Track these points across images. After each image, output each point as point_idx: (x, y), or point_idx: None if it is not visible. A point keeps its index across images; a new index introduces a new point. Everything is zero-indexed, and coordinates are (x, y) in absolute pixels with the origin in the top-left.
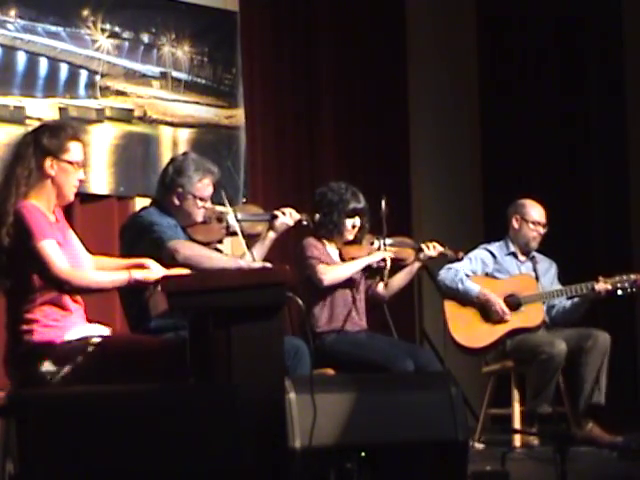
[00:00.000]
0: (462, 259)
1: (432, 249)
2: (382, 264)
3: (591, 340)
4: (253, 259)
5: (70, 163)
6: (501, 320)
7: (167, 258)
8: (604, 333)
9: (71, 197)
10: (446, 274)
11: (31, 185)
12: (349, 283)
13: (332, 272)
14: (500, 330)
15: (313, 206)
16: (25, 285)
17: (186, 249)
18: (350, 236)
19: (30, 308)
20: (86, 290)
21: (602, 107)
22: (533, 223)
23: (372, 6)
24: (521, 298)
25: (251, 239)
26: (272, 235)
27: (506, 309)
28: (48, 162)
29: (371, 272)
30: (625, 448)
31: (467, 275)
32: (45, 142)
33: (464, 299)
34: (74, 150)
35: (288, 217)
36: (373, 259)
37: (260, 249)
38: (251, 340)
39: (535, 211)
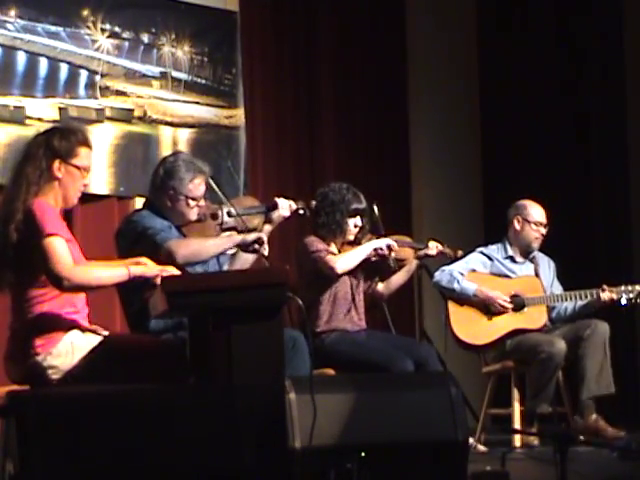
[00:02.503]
0: (461, 258)
1: (431, 248)
2: (387, 252)
3: (589, 329)
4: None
5: (77, 167)
6: (502, 312)
7: (166, 260)
8: (603, 322)
9: (75, 201)
10: (441, 276)
11: (41, 185)
12: (349, 281)
13: (343, 259)
14: (502, 329)
15: (314, 206)
16: (32, 280)
17: (181, 248)
18: (351, 236)
19: (36, 303)
20: (86, 287)
21: (602, 107)
22: (535, 224)
23: (372, 6)
24: (525, 299)
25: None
26: (268, 228)
27: (506, 298)
28: (56, 164)
29: (375, 267)
30: (625, 448)
31: (461, 274)
32: (56, 144)
33: (462, 298)
34: (83, 155)
35: (284, 208)
36: (380, 243)
37: None
38: (251, 340)
39: (536, 211)
